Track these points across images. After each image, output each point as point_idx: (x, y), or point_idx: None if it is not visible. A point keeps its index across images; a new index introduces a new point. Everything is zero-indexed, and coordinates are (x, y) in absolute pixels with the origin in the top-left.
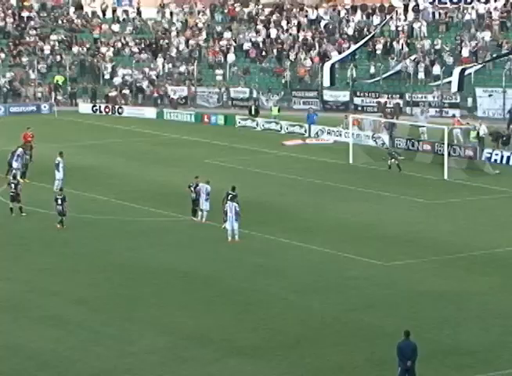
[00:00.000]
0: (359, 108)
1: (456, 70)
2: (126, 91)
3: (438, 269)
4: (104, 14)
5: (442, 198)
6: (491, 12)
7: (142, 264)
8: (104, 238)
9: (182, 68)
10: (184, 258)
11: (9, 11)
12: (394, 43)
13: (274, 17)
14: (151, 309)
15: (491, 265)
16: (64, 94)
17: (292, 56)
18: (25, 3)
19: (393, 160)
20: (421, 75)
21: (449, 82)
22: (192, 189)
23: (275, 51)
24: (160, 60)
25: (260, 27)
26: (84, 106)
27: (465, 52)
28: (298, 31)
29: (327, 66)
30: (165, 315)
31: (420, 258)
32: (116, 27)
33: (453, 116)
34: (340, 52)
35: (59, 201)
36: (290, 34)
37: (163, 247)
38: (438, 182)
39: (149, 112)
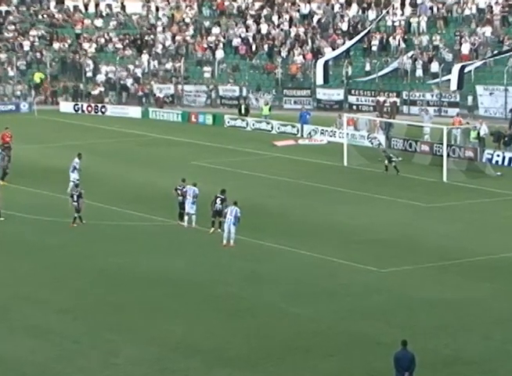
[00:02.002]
0: (354, 107)
1: (456, 68)
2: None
3: (436, 276)
4: (86, 8)
5: (441, 201)
6: (492, 7)
7: (127, 270)
8: (87, 243)
9: (169, 65)
10: (171, 264)
11: None
12: (391, 39)
13: (265, 12)
14: (137, 317)
15: (491, 271)
16: (45, 92)
17: (284, 53)
18: None
19: (391, 162)
20: (419, 72)
21: (448, 80)
22: (179, 192)
23: (265, 47)
24: (145, 57)
25: (250, 22)
26: (66, 105)
27: (465, 49)
28: (290, 27)
29: (320, 63)
30: (152, 324)
31: (416, 263)
32: (99, 22)
33: (457, 115)
34: (334, 49)
35: (75, 198)
36: (282, 30)
37: (149, 252)
38: (436, 185)
39: (134, 111)
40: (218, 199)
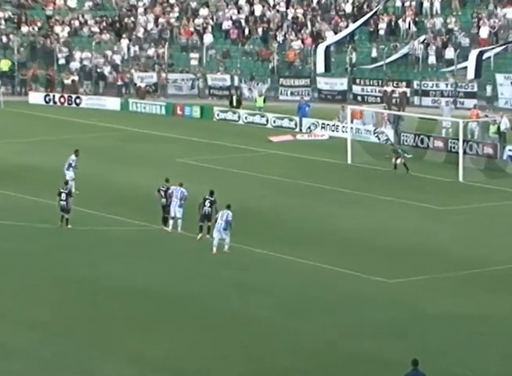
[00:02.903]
0: (359, 98)
1: (473, 54)
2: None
3: (451, 287)
4: None
5: (456, 203)
6: None
7: (104, 281)
8: (58, 251)
9: (151, 51)
10: (154, 274)
11: None
12: (400, 22)
13: None
14: (115, 333)
15: None
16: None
17: (280, 37)
18: None
19: (399, 159)
20: (432, 59)
21: (465, 68)
22: (163, 193)
23: (260, 31)
24: (124, 42)
25: (242, 2)
26: (36, 96)
27: (483, 33)
28: (287, 8)
29: (321, 48)
30: (132, 341)
31: (429, 274)
32: (72, 3)
33: (474, 107)
34: (336, 33)
35: (63, 196)
36: (278, 11)
37: (129, 261)
38: (451, 185)
39: (112, 103)
40: (207, 201)
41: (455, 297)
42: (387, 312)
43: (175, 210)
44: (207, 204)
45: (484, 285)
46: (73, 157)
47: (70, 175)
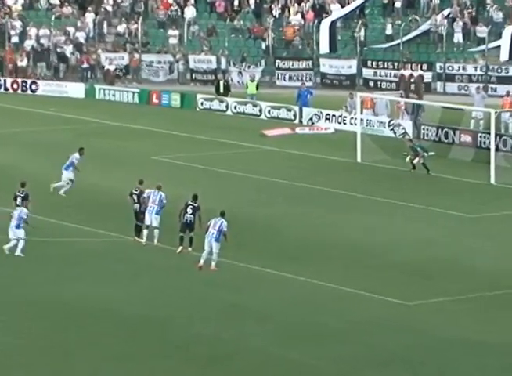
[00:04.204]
0: (371, 84)
1: (508, 31)
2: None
3: (480, 311)
4: None
5: (488, 210)
6: None
7: (67, 302)
8: (15, 267)
9: (121, 27)
10: (127, 294)
11: None
12: None
13: None
14: (81, 364)
15: None
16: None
17: (276, 11)
18: None
19: (417, 158)
20: (458, 37)
21: (498, 47)
22: (135, 197)
23: (252, 3)
24: (89, 16)
25: None
26: None
27: None
28: None
29: (325, 24)
30: (103, 374)
31: (453, 295)
32: None
33: (508, 94)
34: (343, 6)
35: (19, 200)
36: None
37: (96, 278)
38: (481, 188)
39: (75, 89)
40: (189, 207)
41: (484, 322)
42: (404, 340)
43: (151, 217)
44: (189, 210)
45: None
46: (76, 155)
47: (67, 175)
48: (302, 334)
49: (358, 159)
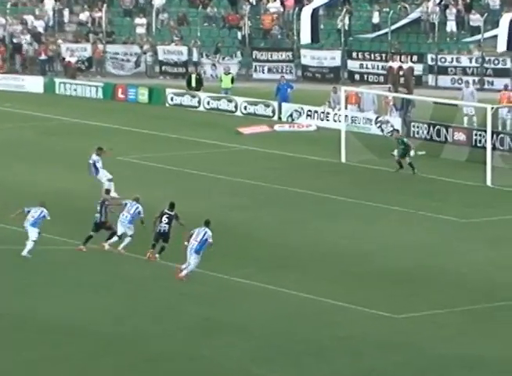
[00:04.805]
0: (356, 77)
1: (505, 19)
2: None
3: (475, 324)
4: None
5: (483, 215)
6: None
7: (18, 316)
8: None
9: (84, 15)
10: (89, 308)
11: None
12: None
13: None
14: None
15: None
16: None
17: None
18: None
19: (409, 151)
20: (451, 26)
21: (495, 37)
22: (98, 206)
23: None
24: (49, 4)
25: None
26: None
27: None
28: None
29: (307, 12)
30: None
31: (446, 307)
32: None
33: (506, 88)
34: None
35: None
36: None
37: (54, 290)
38: (476, 191)
39: (33, 83)
40: (165, 217)
41: (481, 336)
42: (393, 356)
43: (126, 226)
44: (165, 219)
45: None
46: (94, 156)
47: (102, 176)
48: (282, 350)
49: (343, 159)
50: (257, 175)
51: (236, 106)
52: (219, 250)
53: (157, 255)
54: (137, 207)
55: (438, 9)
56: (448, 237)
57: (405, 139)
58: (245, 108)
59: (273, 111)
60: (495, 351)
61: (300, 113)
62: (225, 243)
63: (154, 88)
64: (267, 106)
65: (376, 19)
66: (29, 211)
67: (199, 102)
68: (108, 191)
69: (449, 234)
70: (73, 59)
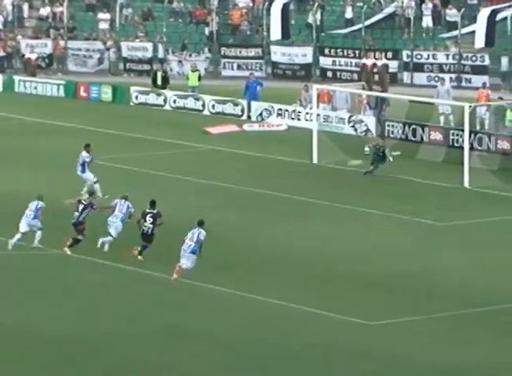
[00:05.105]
0: (329, 74)
1: (483, 14)
2: None
3: (452, 331)
4: None
5: (461, 218)
6: None
7: None
8: None
9: (44, 11)
10: (52, 314)
11: None
12: None
13: None
14: None
15: None
16: None
17: None
18: None
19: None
20: (427, 22)
21: (473, 33)
22: (81, 205)
23: None
24: None
25: None
26: None
27: None
28: None
29: (277, 7)
30: None
31: (421, 313)
32: None
33: (484, 86)
34: None
35: (80, 208)
36: None
37: (13, 297)
38: (454, 192)
39: None
40: (148, 216)
41: (457, 343)
42: (367, 364)
43: (118, 225)
44: (149, 219)
45: (496, 328)
46: (84, 153)
47: (89, 177)
48: (252, 357)
49: (314, 160)
50: (224, 176)
51: (203, 105)
52: None
53: (140, 257)
54: (128, 205)
55: (413, 3)
56: (424, 241)
57: (386, 150)
58: (213, 107)
59: (242, 110)
60: (469, 359)
61: (270, 112)
62: None
63: (118, 87)
64: (236, 104)
65: (349, 14)
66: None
67: (165, 100)
68: (92, 193)
69: (425, 238)
70: (33, 56)
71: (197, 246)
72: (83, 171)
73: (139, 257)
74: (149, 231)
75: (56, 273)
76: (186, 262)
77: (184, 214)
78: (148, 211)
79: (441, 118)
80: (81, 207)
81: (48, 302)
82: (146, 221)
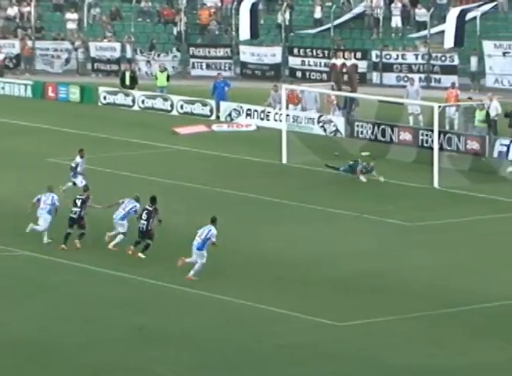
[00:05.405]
0: (298, 74)
1: (452, 14)
2: None
3: (422, 332)
4: None
5: (430, 218)
6: None
7: None
8: None
9: (12, 11)
10: (14, 316)
11: None
12: None
13: None
14: None
15: (505, 324)
16: None
17: None
18: None
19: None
20: (396, 22)
21: (442, 32)
22: (78, 201)
23: None
24: None
25: None
26: None
27: None
28: None
29: (246, 7)
30: None
31: (393, 314)
32: None
33: (453, 87)
34: None
35: (79, 203)
36: None
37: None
38: (423, 193)
39: None
40: (144, 212)
41: (428, 344)
42: (338, 366)
43: (117, 223)
44: (144, 216)
45: (467, 328)
46: (78, 159)
47: (80, 182)
48: (220, 359)
49: (284, 160)
50: (193, 177)
51: (171, 105)
52: (153, 255)
53: (142, 255)
54: (134, 206)
55: (382, 3)
56: (394, 242)
57: (373, 172)
58: (181, 107)
59: (211, 110)
60: (441, 359)
61: (239, 112)
62: (158, 248)
63: (86, 87)
64: (204, 105)
65: (318, 14)
66: (39, 199)
67: (133, 101)
68: (87, 188)
69: (395, 239)
70: (0, 56)
71: (202, 244)
72: (74, 176)
73: (140, 254)
74: (144, 227)
75: (21, 274)
76: (196, 257)
77: None
78: (146, 207)
79: (411, 118)
80: (79, 202)
81: (11, 304)
82: (141, 218)
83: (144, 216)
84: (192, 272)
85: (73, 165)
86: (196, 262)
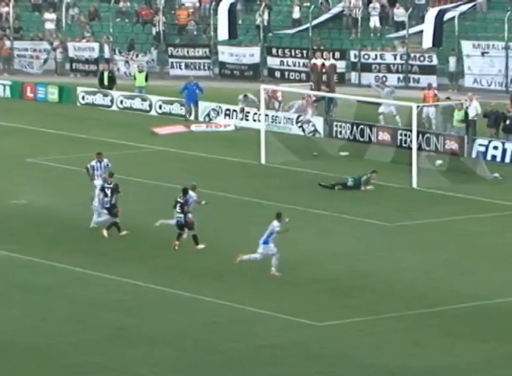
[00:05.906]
0: (277, 74)
1: (431, 14)
2: None
3: (403, 332)
4: None
5: (409, 218)
6: None
7: None
8: None
9: None
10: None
11: None
12: None
13: None
14: None
15: (484, 325)
16: None
17: None
18: None
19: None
20: (375, 22)
21: (420, 33)
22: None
23: None
24: None
25: None
26: None
27: None
28: None
29: (224, 7)
30: None
31: (373, 314)
32: None
33: (429, 87)
34: None
35: (109, 192)
36: None
37: None
38: (401, 193)
39: None
40: (178, 206)
41: (408, 344)
42: (316, 366)
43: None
44: (178, 209)
45: (447, 328)
46: (93, 162)
47: (98, 184)
48: (199, 360)
49: (263, 160)
50: (172, 178)
51: (150, 106)
52: (132, 255)
53: (199, 246)
54: (190, 197)
55: (360, 3)
56: (374, 242)
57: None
58: (160, 107)
59: (189, 111)
60: (421, 359)
61: (218, 112)
62: (135, 248)
63: (64, 87)
64: (183, 105)
65: (296, 14)
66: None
67: (111, 101)
68: (112, 174)
69: (375, 239)
70: None
71: (268, 238)
72: (93, 178)
73: (199, 246)
74: (181, 221)
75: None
76: (261, 251)
77: (128, 216)
78: (177, 200)
79: (381, 117)
80: (108, 191)
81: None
82: (176, 211)
83: (178, 210)
84: (273, 269)
85: (90, 166)
86: (255, 259)
